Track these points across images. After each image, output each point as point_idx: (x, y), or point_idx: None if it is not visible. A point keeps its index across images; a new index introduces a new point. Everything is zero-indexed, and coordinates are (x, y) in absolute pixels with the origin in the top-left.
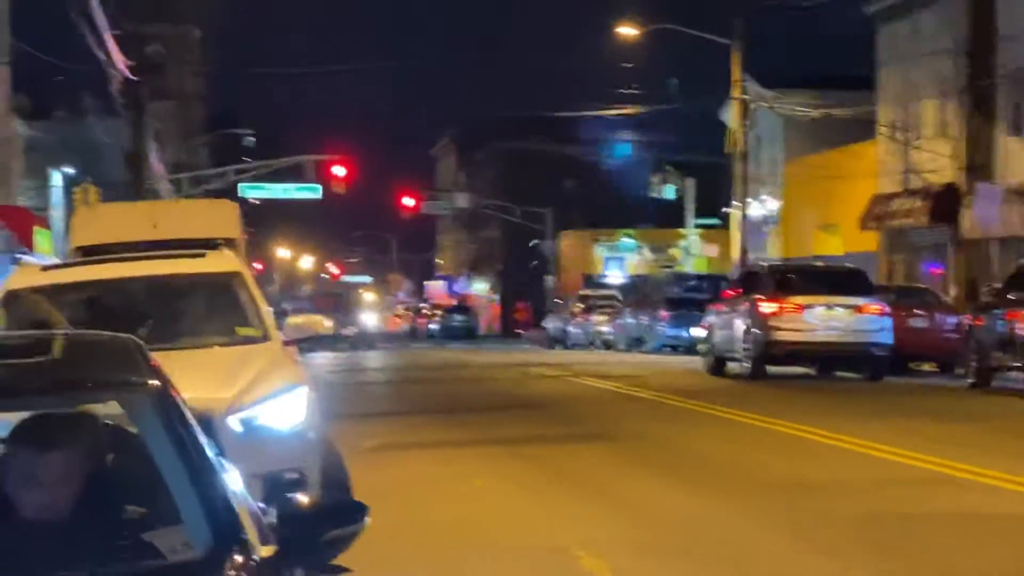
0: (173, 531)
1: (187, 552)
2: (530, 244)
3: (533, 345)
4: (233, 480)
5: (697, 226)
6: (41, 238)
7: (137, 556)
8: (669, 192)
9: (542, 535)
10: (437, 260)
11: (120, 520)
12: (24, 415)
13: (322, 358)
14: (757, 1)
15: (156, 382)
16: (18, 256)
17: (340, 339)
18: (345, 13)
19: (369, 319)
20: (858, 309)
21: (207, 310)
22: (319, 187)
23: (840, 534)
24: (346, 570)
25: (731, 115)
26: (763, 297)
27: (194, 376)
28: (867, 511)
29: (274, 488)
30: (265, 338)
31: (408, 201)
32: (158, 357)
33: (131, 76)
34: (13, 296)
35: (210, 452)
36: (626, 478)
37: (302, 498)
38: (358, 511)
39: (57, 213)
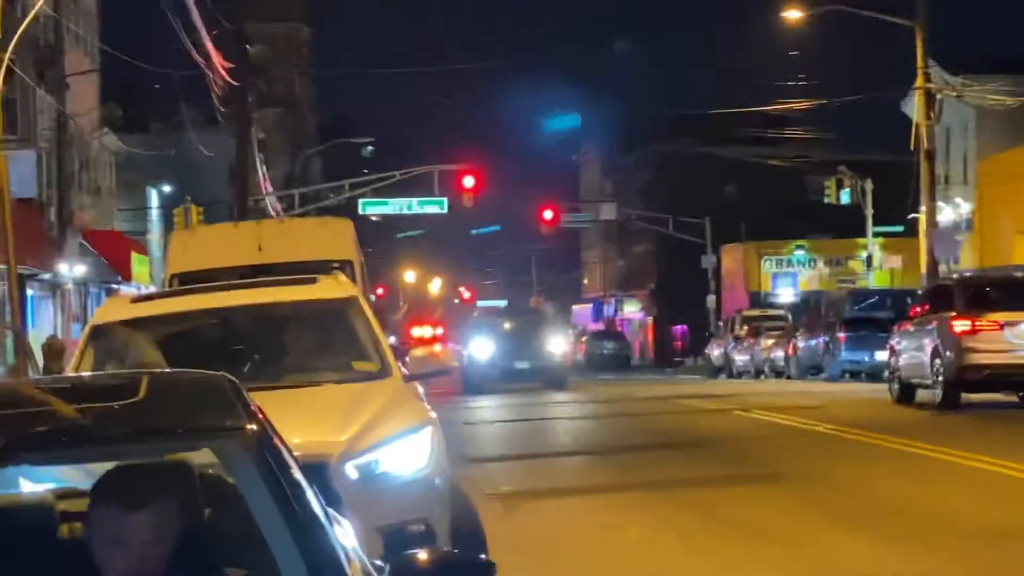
0: None
1: None
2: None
3: (693, 374)
4: (344, 536)
5: (878, 234)
6: (139, 265)
7: None
8: (844, 197)
9: None
10: (583, 280)
11: None
12: (109, 466)
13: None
14: None
15: (253, 426)
16: (113, 286)
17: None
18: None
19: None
20: None
21: (319, 342)
22: (444, 200)
23: None
24: None
25: (915, 107)
26: (955, 314)
27: (305, 417)
28: None
29: (396, 543)
30: (384, 373)
31: (547, 214)
32: (264, 397)
33: (233, 81)
34: (100, 331)
35: (317, 505)
36: (802, 527)
37: (421, 554)
38: (484, 569)
39: (155, 236)
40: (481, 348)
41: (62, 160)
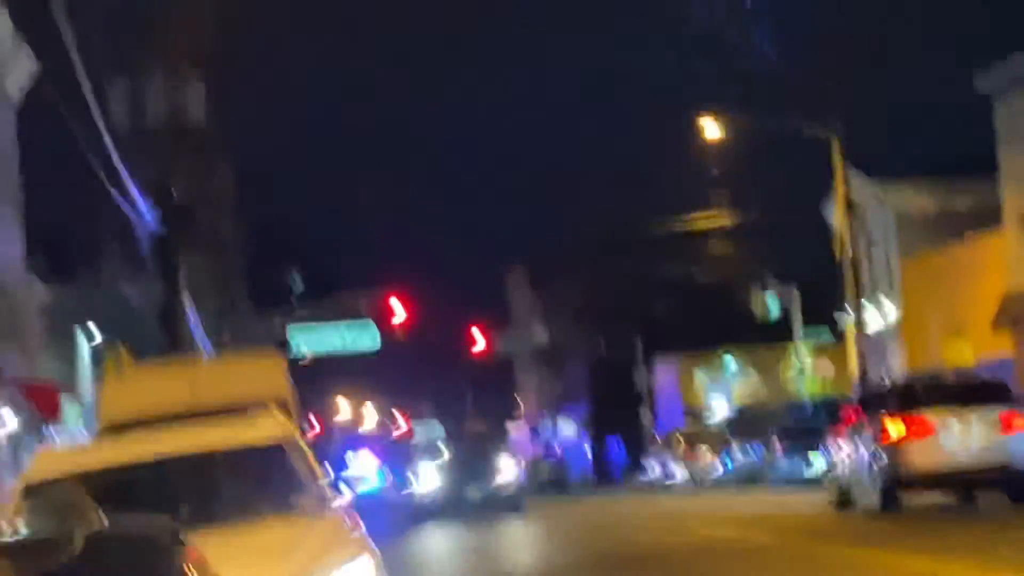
0: None
1: None
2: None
3: (631, 492)
4: None
5: (807, 336)
6: (71, 411)
7: None
8: (773, 307)
9: None
10: (519, 401)
11: None
12: None
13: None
14: (856, 89)
15: None
16: (44, 435)
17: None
18: (399, 129)
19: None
20: (1001, 425)
21: (256, 482)
22: (373, 326)
23: None
24: None
25: (836, 215)
26: (888, 418)
27: (244, 556)
28: None
29: None
30: (323, 507)
31: (478, 341)
32: (205, 538)
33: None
34: (33, 489)
35: None
36: None
37: None
38: None
39: (87, 381)
40: (427, 476)
41: None
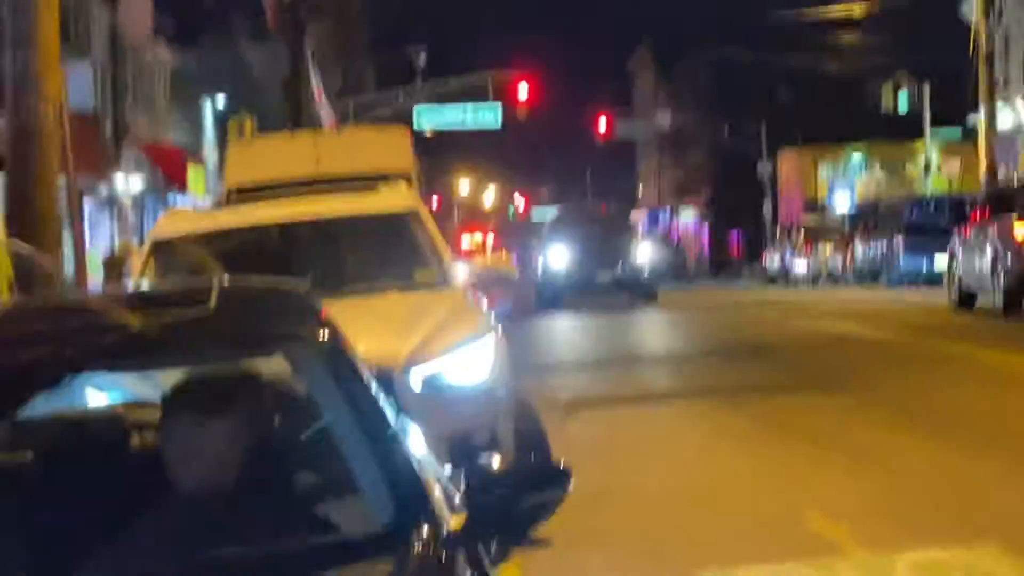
0: (350, 502)
1: (367, 525)
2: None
3: (751, 281)
4: (417, 443)
5: (936, 138)
6: (195, 177)
7: (311, 531)
8: (902, 102)
9: (770, 496)
10: (638, 189)
11: (290, 491)
12: (179, 376)
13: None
14: None
15: (327, 334)
16: (170, 198)
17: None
18: None
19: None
20: None
21: (380, 253)
22: (498, 106)
23: None
24: (544, 542)
25: (973, 6)
26: (1016, 219)
27: (368, 327)
28: None
29: (461, 451)
30: (446, 282)
31: (601, 124)
32: (327, 306)
33: None
34: (161, 245)
35: (390, 412)
36: (862, 431)
37: (495, 462)
38: (560, 476)
39: (210, 148)
40: (556, 258)
41: (116, 72)
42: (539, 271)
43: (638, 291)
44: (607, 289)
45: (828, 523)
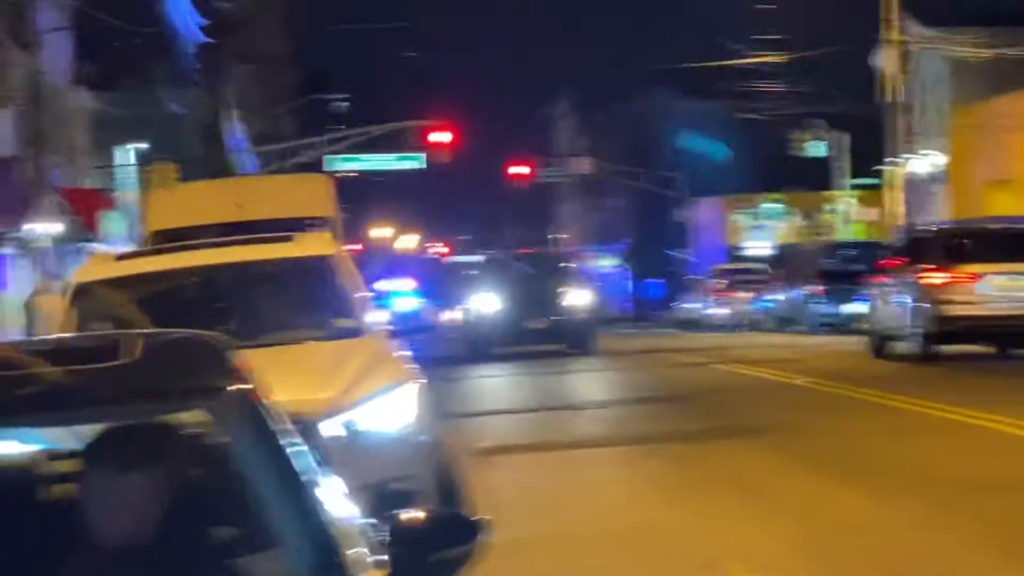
0: (267, 557)
1: None
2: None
3: (671, 327)
4: (335, 495)
5: (853, 187)
6: (114, 222)
7: None
8: (819, 150)
9: (690, 548)
10: (559, 235)
11: (208, 545)
12: (98, 428)
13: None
14: None
15: (245, 387)
16: (88, 244)
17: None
18: None
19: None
20: None
21: (301, 300)
22: (422, 156)
23: None
24: None
25: (885, 59)
26: (931, 266)
27: (287, 376)
28: None
29: (382, 500)
30: (367, 330)
31: (521, 169)
32: (247, 355)
33: (207, 38)
34: (84, 290)
35: (308, 466)
36: (781, 478)
37: (414, 513)
38: (477, 527)
39: (129, 194)
40: (485, 304)
41: (36, 118)
42: (467, 319)
43: (574, 340)
44: (540, 337)
45: (745, 573)
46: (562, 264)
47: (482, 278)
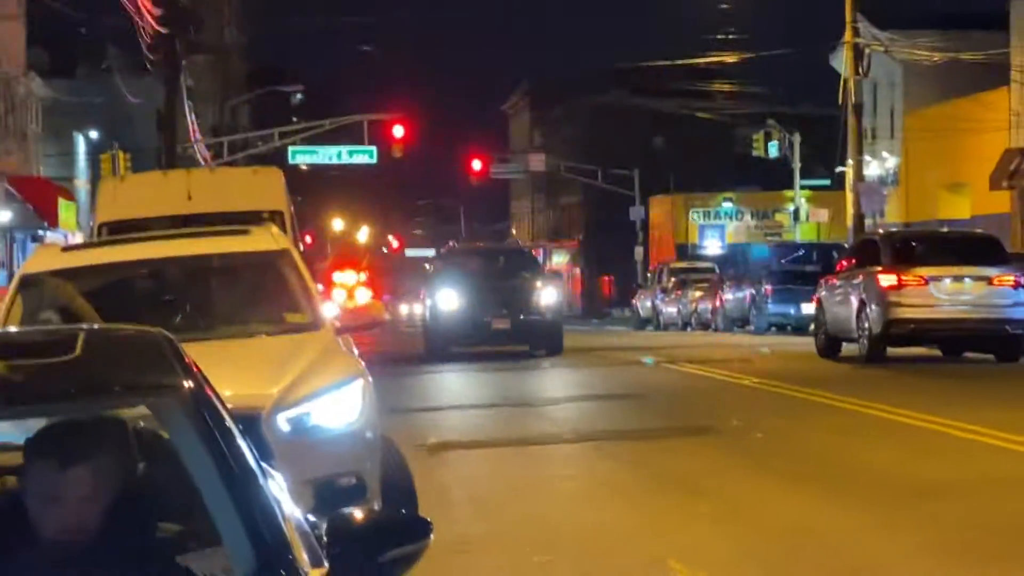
0: (211, 552)
1: None
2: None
3: (620, 325)
4: (279, 492)
5: (805, 188)
6: (65, 211)
7: None
8: (772, 150)
9: (635, 545)
10: (511, 231)
11: (153, 540)
12: (42, 422)
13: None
14: None
15: (190, 384)
16: (39, 233)
17: None
18: None
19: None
20: (990, 281)
21: (250, 295)
22: (374, 150)
23: (976, 543)
24: None
25: (843, 61)
26: (881, 268)
27: (236, 370)
28: (1009, 516)
29: (327, 495)
30: (316, 326)
31: (475, 164)
32: (195, 348)
33: (162, 29)
34: (31, 280)
35: (252, 461)
36: (729, 479)
37: (356, 512)
38: (421, 527)
39: (82, 183)
40: (445, 302)
41: None
42: (425, 316)
43: (541, 341)
44: (504, 337)
45: (688, 573)
46: (527, 260)
47: (442, 273)
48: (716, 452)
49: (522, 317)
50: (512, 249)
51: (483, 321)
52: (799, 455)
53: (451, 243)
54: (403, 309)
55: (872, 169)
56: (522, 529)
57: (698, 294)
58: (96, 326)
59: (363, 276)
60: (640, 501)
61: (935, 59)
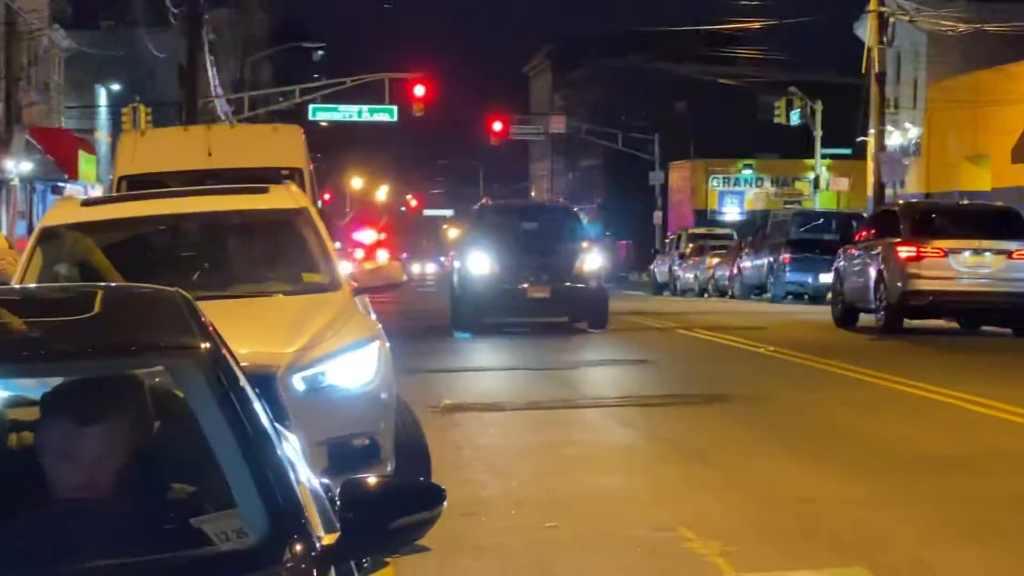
0: (225, 515)
1: (240, 539)
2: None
3: (637, 290)
4: (293, 455)
5: (826, 156)
6: (85, 164)
7: (184, 543)
8: (794, 117)
9: (644, 515)
10: (530, 193)
11: (166, 501)
12: (59, 380)
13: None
14: None
15: (207, 344)
16: (59, 184)
17: None
18: None
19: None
20: (1010, 255)
21: (268, 253)
22: (394, 109)
23: (989, 517)
24: (423, 549)
25: (867, 30)
26: (901, 240)
27: (253, 329)
28: (1021, 491)
29: (341, 456)
30: (333, 286)
31: (496, 125)
32: (212, 306)
33: None
34: (50, 233)
35: (267, 424)
36: (741, 449)
37: (370, 478)
38: (434, 495)
39: (103, 136)
40: (476, 262)
41: (10, 56)
42: (453, 282)
43: (583, 312)
44: (542, 308)
45: (700, 543)
46: (571, 219)
47: (474, 233)
48: (729, 421)
49: (564, 285)
50: (554, 207)
51: (518, 289)
52: (812, 426)
53: (485, 199)
54: (419, 267)
55: (894, 139)
56: (532, 493)
57: (716, 260)
58: (114, 284)
59: (382, 235)
60: (651, 468)
61: (960, 30)
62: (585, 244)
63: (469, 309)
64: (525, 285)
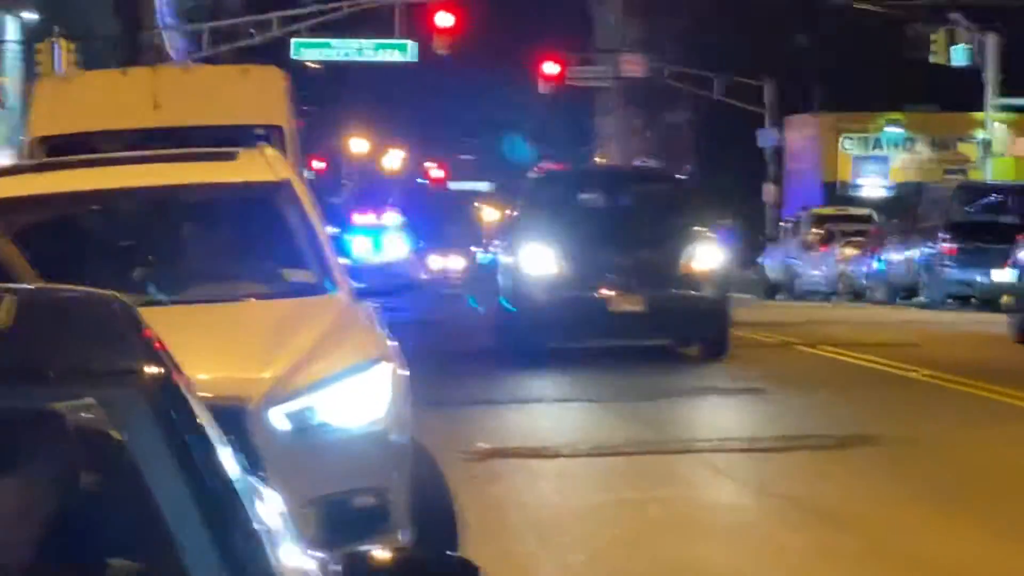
0: None
1: None
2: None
3: (742, 292)
4: (272, 518)
5: (1004, 108)
6: None
7: None
8: (958, 55)
9: None
10: (595, 158)
11: None
12: None
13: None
14: None
15: (153, 368)
16: None
17: None
18: None
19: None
20: None
21: (237, 241)
22: (408, 44)
23: None
24: None
25: None
26: None
27: (217, 346)
28: None
29: (338, 521)
30: (326, 286)
31: (549, 67)
32: (162, 315)
33: None
34: None
35: (236, 476)
36: (886, 509)
37: (378, 552)
38: (465, 572)
39: (11, 81)
40: (535, 259)
41: None
42: (502, 288)
43: (693, 331)
44: (635, 327)
45: None
46: (673, 192)
47: (529, 215)
48: (869, 471)
49: (667, 293)
50: (649, 172)
51: (598, 299)
52: (982, 478)
53: (544, 164)
54: (440, 261)
55: None
56: (601, 570)
57: (850, 252)
58: (28, 287)
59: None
60: (765, 536)
61: None
62: (697, 230)
63: (525, 328)
64: (609, 293)
